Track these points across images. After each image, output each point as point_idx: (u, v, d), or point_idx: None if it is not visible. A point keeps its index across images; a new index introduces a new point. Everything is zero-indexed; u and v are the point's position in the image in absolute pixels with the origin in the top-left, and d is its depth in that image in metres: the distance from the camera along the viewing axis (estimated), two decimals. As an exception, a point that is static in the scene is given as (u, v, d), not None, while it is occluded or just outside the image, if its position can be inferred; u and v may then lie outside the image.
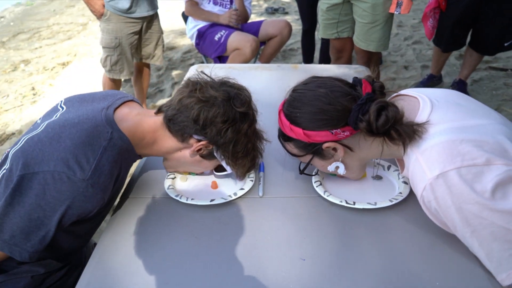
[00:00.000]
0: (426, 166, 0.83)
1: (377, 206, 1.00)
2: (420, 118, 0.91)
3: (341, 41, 2.60)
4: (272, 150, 1.27)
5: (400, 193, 1.04)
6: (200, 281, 0.88)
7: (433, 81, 3.21)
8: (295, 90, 1.00)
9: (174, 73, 3.85)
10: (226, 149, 1.04)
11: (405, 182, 1.08)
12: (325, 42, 3.33)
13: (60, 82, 3.85)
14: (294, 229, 1.00)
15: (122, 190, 1.17)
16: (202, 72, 1.10)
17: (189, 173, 1.21)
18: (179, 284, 0.87)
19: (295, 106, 0.96)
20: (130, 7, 2.45)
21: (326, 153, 0.99)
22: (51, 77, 3.97)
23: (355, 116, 0.89)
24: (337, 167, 1.01)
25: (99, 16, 2.49)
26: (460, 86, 3.06)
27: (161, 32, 2.79)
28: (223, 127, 1.00)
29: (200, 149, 1.05)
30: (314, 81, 0.98)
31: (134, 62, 2.83)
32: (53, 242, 0.97)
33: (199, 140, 1.03)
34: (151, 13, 2.59)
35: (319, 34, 2.71)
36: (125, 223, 1.05)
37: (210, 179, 1.19)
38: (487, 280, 0.83)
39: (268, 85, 1.76)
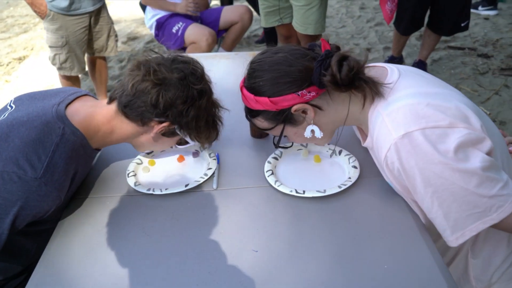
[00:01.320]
0: (391, 127, 0.84)
1: (326, 193, 1.01)
2: (387, 83, 0.92)
3: (286, 27, 2.55)
4: (227, 140, 1.26)
5: (349, 178, 1.05)
6: (151, 280, 0.86)
7: (393, 62, 3.25)
8: (252, 62, 0.97)
9: (137, 64, 3.75)
10: (190, 127, 1.02)
11: (354, 167, 1.09)
12: (268, 32, 3.33)
13: (17, 78, 3.68)
14: (246, 221, 1.00)
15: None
16: (150, 49, 1.06)
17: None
18: (129, 284, 0.86)
19: (256, 76, 0.94)
20: (71, 4, 2.35)
21: (296, 118, 0.95)
22: (7, 73, 3.79)
23: (318, 72, 0.87)
24: (312, 131, 0.96)
25: (44, 16, 2.38)
26: (420, 66, 3.11)
27: (111, 22, 2.69)
28: (184, 107, 0.98)
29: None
30: (270, 50, 0.96)
31: (88, 57, 2.74)
32: (10, 245, 0.93)
33: (160, 122, 1.00)
34: (97, 6, 2.49)
35: (261, 24, 2.64)
36: (74, 225, 1.02)
37: (173, 164, 1.17)
38: (432, 260, 0.86)
39: (226, 73, 1.73)
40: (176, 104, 0.97)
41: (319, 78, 0.87)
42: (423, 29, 3.08)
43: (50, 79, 3.49)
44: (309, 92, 0.90)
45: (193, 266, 0.89)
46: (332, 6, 4.80)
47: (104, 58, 2.83)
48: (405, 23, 2.97)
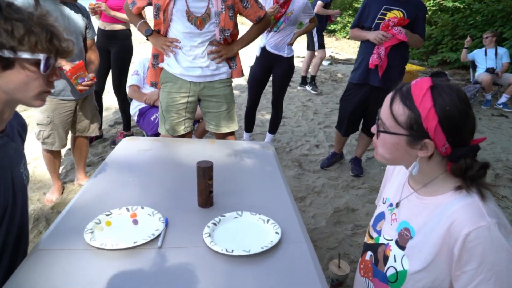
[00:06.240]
0: (485, 211, 0.89)
1: (251, 252, 1.10)
2: None
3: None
4: (176, 208, 1.35)
5: (271, 241, 1.15)
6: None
7: (335, 157, 3.52)
8: (459, 96, 0.92)
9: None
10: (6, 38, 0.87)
11: (277, 233, 1.20)
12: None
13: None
14: (182, 276, 1.06)
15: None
16: None
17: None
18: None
19: (450, 106, 0.90)
20: (61, 90, 2.50)
21: (418, 143, 0.93)
22: None
23: (463, 154, 0.92)
24: (413, 167, 0.97)
25: None
26: (355, 162, 3.39)
27: (96, 109, 2.82)
28: None
29: None
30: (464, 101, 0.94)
31: (72, 135, 2.84)
32: None
33: None
34: (84, 95, 2.62)
35: (169, 133, 2.37)
36: (29, 277, 1.04)
37: (128, 226, 1.23)
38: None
39: (187, 157, 1.87)
40: None
41: (460, 156, 0.92)
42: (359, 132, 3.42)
43: (36, 151, 3.53)
44: (445, 145, 0.92)
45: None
46: (292, 110, 5.25)
47: (86, 137, 2.93)
48: (345, 127, 3.31)
